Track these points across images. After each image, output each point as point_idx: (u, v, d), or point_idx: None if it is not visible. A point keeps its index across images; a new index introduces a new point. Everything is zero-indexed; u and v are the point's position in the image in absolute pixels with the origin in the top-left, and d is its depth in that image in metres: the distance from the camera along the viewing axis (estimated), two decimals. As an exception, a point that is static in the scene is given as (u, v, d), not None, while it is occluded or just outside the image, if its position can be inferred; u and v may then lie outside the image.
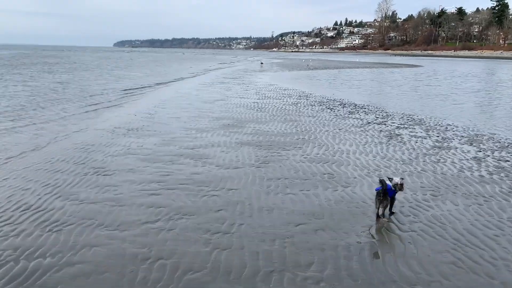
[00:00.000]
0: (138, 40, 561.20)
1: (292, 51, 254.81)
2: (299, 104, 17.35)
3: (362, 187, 7.01)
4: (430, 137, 11.18)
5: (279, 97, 19.67)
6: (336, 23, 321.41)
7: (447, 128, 12.62)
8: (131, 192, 6.65)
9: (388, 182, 5.64)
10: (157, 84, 26.42)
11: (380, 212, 5.73)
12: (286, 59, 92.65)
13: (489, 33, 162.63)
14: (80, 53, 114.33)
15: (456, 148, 9.95)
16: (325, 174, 7.71)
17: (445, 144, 10.35)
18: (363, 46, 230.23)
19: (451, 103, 18.88)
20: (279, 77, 35.51)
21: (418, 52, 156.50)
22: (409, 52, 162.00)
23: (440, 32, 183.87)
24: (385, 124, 12.95)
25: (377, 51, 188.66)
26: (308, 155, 9.06)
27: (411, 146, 10.02)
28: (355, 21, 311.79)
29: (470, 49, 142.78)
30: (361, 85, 28.50)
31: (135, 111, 15.09)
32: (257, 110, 15.51)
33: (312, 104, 17.58)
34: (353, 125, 12.75)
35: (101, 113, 14.68)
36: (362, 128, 12.16)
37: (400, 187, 5.67)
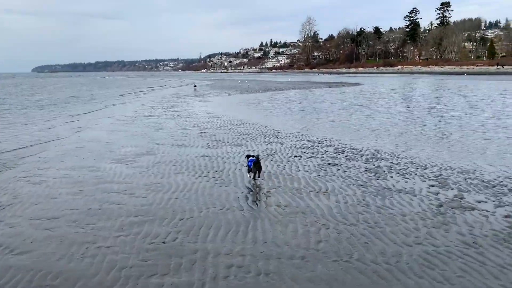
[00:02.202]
0: (58, 65, 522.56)
1: (221, 72, 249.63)
2: (277, 155, 10.55)
3: None
4: None
5: (239, 141, 12.72)
6: (262, 44, 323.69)
7: None
8: None
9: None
10: (51, 121, 18.17)
11: (257, 175, 7.99)
12: (219, 80, 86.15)
13: (405, 50, 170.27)
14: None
15: None
16: None
17: None
18: (289, 66, 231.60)
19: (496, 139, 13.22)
20: (221, 103, 28.57)
21: (343, 69, 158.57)
22: (334, 70, 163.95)
23: (360, 50, 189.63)
24: (473, 208, 6.52)
25: (303, 70, 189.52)
26: None
27: None
28: (280, 42, 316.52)
29: (391, 65, 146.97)
30: (328, 111, 22.47)
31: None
32: (214, 180, 8.41)
33: (296, 153, 10.85)
34: (425, 221, 6.14)
35: None
36: (463, 242, 5.58)
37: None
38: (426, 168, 9.13)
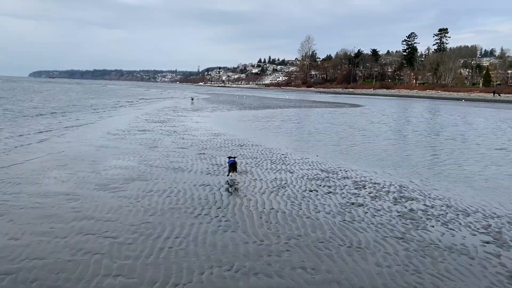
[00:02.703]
0: (56, 71, 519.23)
1: (218, 86, 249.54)
2: (289, 188, 9.00)
3: None
4: None
5: (243, 167, 11.15)
6: (260, 60, 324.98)
7: None
8: None
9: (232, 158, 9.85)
10: (42, 133, 16.51)
11: (233, 173, 9.68)
12: (217, 94, 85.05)
13: (402, 73, 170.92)
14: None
15: None
16: None
17: None
18: (287, 83, 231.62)
19: None
20: (220, 119, 27.09)
21: (340, 90, 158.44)
22: (332, 89, 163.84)
23: (357, 71, 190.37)
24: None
25: (301, 88, 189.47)
26: None
27: None
28: (278, 59, 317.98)
29: (388, 88, 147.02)
30: (332, 134, 21.02)
31: None
32: (217, 220, 6.79)
33: (311, 187, 9.31)
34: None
35: None
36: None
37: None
38: (468, 215, 7.63)
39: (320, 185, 9.52)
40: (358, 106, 52.62)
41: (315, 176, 10.45)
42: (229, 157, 10.08)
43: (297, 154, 13.92)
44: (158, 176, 9.83)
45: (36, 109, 28.16)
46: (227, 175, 9.92)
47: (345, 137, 19.58)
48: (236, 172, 9.81)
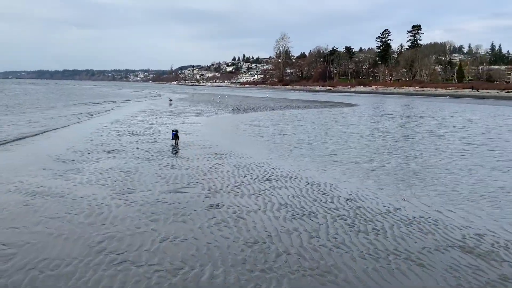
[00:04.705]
0: (24, 71, 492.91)
1: (193, 85, 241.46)
2: None
3: None
4: None
5: (306, 246, 5.36)
6: (234, 59, 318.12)
7: None
8: None
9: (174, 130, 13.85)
10: None
11: (177, 140, 13.71)
12: (194, 94, 78.51)
13: (376, 70, 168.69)
14: None
15: None
16: None
17: None
18: (262, 81, 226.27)
19: None
20: (212, 127, 21.03)
21: (317, 87, 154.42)
22: (308, 87, 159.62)
23: (332, 69, 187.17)
24: None
25: (277, 86, 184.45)
26: None
27: None
28: (252, 57, 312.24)
29: (364, 85, 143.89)
30: (364, 146, 15.44)
31: None
32: None
33: None
34: None
35: None
36: None
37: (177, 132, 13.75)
38: None
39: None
40: (352, 105, 47.54)
41: (474, 278, 4.79)
42: (172, 130, 14.11)
43: (371, 195, 8.25)
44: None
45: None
46: (172, 141, 14.00)
47: (394, 152, 14.00)
48: (178, 139, 13.85)
